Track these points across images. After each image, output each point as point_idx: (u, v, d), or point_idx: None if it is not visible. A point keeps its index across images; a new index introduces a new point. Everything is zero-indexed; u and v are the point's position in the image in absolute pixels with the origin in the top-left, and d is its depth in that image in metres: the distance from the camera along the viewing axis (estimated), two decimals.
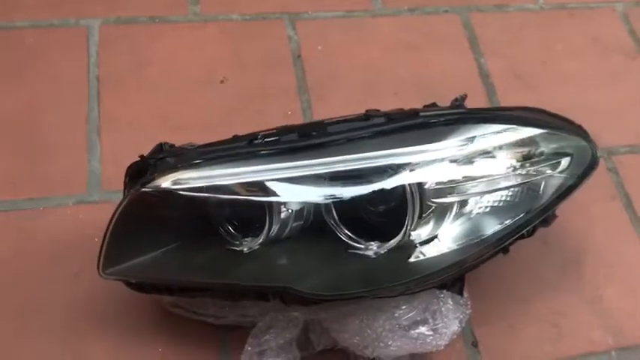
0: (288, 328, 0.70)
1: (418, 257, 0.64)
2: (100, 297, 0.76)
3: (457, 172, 0.63)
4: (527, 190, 0.67)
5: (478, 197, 0.65)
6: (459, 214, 0.66)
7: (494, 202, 0.66)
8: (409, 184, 0.63)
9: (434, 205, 0.63)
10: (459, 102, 0.71)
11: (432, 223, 0.65)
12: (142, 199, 0.63)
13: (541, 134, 0.67)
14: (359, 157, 0.61)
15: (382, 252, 0.65)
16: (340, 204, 0.67)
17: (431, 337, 0.68)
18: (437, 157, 0.62)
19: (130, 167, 0.66)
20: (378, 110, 0.71)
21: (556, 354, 0.77)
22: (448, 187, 0.63)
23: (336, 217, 0.67)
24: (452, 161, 0.63)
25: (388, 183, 0.62)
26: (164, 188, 0.61)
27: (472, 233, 0.66)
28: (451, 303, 0.71)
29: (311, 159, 0.61)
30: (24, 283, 0.77)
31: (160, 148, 0.67)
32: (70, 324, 0.75)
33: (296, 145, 0.62)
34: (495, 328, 0.78)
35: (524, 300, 0.80)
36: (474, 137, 0.63)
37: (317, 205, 0.67)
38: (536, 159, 0.66)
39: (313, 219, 0.68)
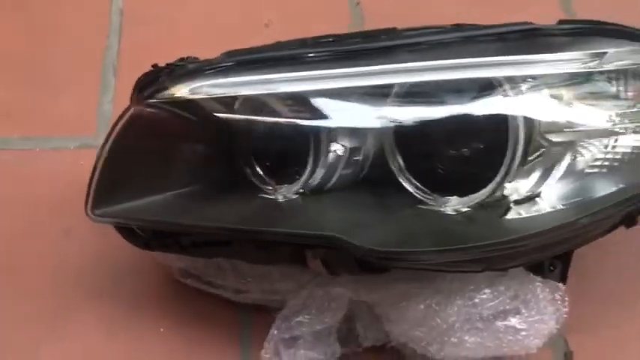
0: (328, 309, 0.53)
1: (514, 216, 0.46)
2: (94, 260, 0.61)
3: (572, 101, 0.46)
4: None
5: (599, 145, 0.48)
6: (570, 169, 0.48)
7: (617, 154, 0.49)
8: (510, 111, 0.45)
9: (545, 145, 0.46)
10: None
11: (536, 175, 0.47)
12: (148, 117, 0.48)
13: None
14: (442, 65, 0.44)
15: (464, 210, 0.48)
16: (408, 145, 0.50)
17: (524, 333, 0.49)
18: (551, 71, 0.45)
19: (139, 79, 0.51)
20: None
21: None
22: (565, 122, 0.46)
23: (401, 162, 0.51)
24: (570, 84, 0.46)
25: (484, 105, 0.45)
26: (178, 97, 0.46)
27: (584, 193, 0.48)
28: (548, 292, 0.53)
29: (375, 65, 0.45)
30: (5, 237, 0.62)
31: (182, 60, 0.52)
32: (56, 291, 0.60)
33: (356, 48, 0.46)
34: (597, 338, 0.59)
35: (636, 305, 0.61)
36: (604, 53, 0.46)
37: (378, 151, 0.51)
38: None
39: (369, 170, 0.52)
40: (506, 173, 0.47)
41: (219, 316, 0.58)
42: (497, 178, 0.47)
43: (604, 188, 0.48)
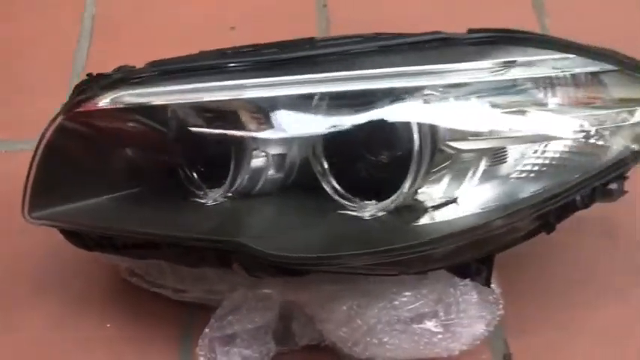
0: (257, 309, 0.54)
1: (428, 221, 0.47)
2: (46, 258, 0.63)
3: (487, 110, 0.47)
4: (586, 144, 0.49)
5: (517, 151, 0.48)
6: (489, 174, 0.49)
7: (546, 159, 0.49)
8: (417, 119, 0.46)
9: (451, 152, 0.47)
10: None
11: (447, 181, 0.48)
12: (74, 125, 0.50)
13: (613, 73, 0.49)
14: (357, 75, 0.46)
15: (380, 215, 0.49)
16: (332, 151, 0.51)
17: (440, 337, 0.50)
18: (460, 80, 0.46)
19: (75, 87, 0.53)
20: None
21: None
22: (478, 130, 0.47)
23: (324, 165, 0.52)
24: (479, 93, 0.47)
25: (387, 112, 0.46)
26: (100, 107, 0.48)
27: (506, 198, 0.48)
28: (475, 297, 0.53)
29: (295, 74, 0.47)
30: None
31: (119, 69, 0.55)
32: (6, 288, 0.63)
33: (276, 58, 0.47)
34: (538, 340, 0.59)
35: (579, 306, 0.60)
36: (514, 61, 0.47)
37: (305, 158, 0.52)
38: (602, 104, 0.49)
39: (298, 175, 0.53)
40: (414, 180, 0.48)
41: (163, 314, 0.60)
42: (406, 185, 0.48)
43: (527, 192, 0.49)
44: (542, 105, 0.49)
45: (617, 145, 0.49)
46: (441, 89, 0.47)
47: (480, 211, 0.48)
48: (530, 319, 0.60)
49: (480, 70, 0.46)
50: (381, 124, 0.47)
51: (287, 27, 0.80)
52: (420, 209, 0.48)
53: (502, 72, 0.46)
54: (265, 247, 0.45)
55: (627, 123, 0.49)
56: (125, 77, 0.49)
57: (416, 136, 0.47)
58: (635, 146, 0.48)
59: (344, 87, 0.46)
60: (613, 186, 0.50)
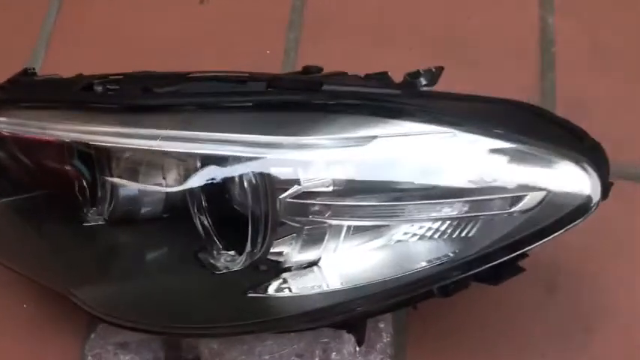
0: None
1: (260, 293, 0.45)
2: None
3: (330, 184, 0.43)
4: (456, 227, 0.44)
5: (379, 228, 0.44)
6: (352, 248, 0.46)
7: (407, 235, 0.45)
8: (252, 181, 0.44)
9: (296, 224, 0.44)
10: (414, 78, 0.49)
11: (297, 246, 0.45)
12: None
13: (504, 149, 0.43)
14: (188, 137, 0.43)
15: (234, 269, 0.47)
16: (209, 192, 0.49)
17: None
18: (293, 156, 0.42)
19: None
20: (316, 68, 0.52)
21: None
22: (320, 205, 0.43)
23: (202, 201, 0.50)
24: (329, 164, 0.42)
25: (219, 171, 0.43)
26: None
27: (364, 274, 0.45)
28: (345, 354, 0.51)
29: (137, 127, 0.44)
30: None
31: (25, 71, 0.54)
32: None
33: (139, 103, 0.45)
34: None
35: None
36: (374, 137, 0.42)
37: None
38: (482, 186, 0.43)
39: (171, 210, 0.51)
40: (254, 240, 0.45)
41: None
42: (248, 244, 0.46)
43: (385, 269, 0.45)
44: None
45: (494, 231, 0.44)
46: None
47: (339, 287, 0.45)
48: None
49: (320, 147, 0.41)
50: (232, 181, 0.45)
51: (258, 5, 0.76)
52: (273, 272, 0.46)
53: (350, 148, 0.41)
54: (82, 294, 0.45)
55: (511, 210, 0.43)
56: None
57: (249, 196, 0.44)
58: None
59: (174, 147, 0.43)
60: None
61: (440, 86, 0.48)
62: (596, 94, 0.69)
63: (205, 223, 0.49)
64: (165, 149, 0.43)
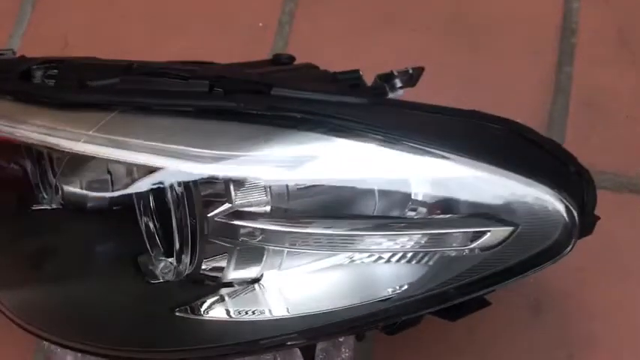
0: None
1: (189, 313, 0.41)
2: None
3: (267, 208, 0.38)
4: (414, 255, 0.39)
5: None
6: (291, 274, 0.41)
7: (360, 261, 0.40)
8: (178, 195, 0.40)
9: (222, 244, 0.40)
10: (385, 81, 0.43)
11: (232, 264, 0.41)
12: None
13: (461, 176, 0.37)
14: (111, 141, 0.38)
15: (169, 279, 0.44)
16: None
17: None
18: (225, 172, 0.37)
19: None
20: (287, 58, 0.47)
21: None
22: (253, 228, 0.39)
23: (149, 203, 0.46)
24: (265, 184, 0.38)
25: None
26: None
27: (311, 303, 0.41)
28: None
29: (65, 125, 0.39)
30: None
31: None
32: None
33: (61, 98, 0.40)
34: None
35: None
36: (314, 157, 0.37)
37: None
38: (441, 217, 0.38)
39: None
40: (178, 261, 0.42)
41: None
42: (174, 264, 0.42)
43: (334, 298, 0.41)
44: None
45: (448, 269, 0.39)
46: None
47: (286, 314, 0.41)
48: None
49: (261, 161, 0.36)
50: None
51: None
52: (210, 288, 0.42)
53: (286, 170, 0.36)
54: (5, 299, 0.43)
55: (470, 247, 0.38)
56: None
57: (173, 211, 0.40)
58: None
59: (97, 151, 0.39)
60: None
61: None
62: (616, 94, 0.62)
63: (150, 224, 0.46)
64: (88, 153, 0.39)
